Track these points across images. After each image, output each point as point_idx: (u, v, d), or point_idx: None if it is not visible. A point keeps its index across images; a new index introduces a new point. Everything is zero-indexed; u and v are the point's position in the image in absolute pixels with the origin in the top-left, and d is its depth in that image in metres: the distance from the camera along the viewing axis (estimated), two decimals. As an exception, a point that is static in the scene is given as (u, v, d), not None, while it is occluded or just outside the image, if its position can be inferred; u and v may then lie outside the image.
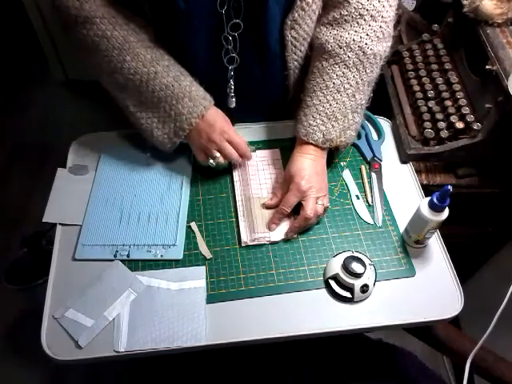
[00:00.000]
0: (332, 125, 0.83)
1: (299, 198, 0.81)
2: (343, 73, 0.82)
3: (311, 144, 0.84)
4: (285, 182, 0.85)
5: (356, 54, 0.81)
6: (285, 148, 0.95)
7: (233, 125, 0.90)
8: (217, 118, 0.83)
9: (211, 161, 0.84)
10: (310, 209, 0.80)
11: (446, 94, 1.06)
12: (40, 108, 2.16)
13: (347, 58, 0.81)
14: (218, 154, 0.84)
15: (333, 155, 0.91)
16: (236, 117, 0.93)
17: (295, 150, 0.86)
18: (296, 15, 0.80)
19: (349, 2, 0.80)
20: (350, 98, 0.83)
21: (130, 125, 0.99)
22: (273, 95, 0.97)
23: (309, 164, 0.83)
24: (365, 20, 0.80)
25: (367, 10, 0.80)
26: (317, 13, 0.84)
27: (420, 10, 1.30)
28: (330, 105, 0.82)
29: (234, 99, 0.90)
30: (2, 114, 2.13)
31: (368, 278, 0.75)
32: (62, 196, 0.86)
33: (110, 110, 0.96)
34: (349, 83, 0.82)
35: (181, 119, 0.81)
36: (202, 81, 0.85)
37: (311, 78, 0.85)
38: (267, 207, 0.85)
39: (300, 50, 0.86)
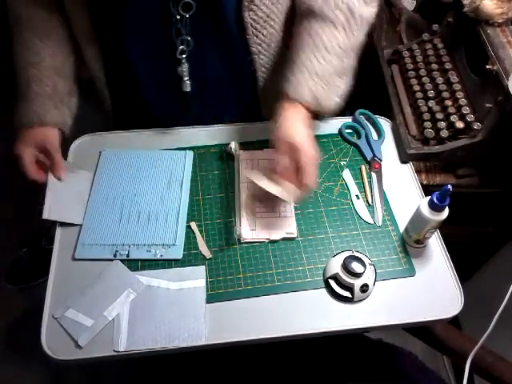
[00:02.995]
0: (320, 85, 0.79)
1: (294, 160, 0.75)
2: (331, 32, 0.80)
3: (300, 105, 0.79)
4: (282, 145, 0.77)
5: (344, 14, 0.79)
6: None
7: (191, 113, 0.92)
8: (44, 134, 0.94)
9: None
10: (311, 175, 0.74)
11: (446, 94, 1.06)
12: (40, 108, 2.16)
13: (335, 18, 0.79)
14: None
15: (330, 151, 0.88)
16: (195, 105, 0.92)
17: (285, 113, 0.79)
18: None
19: None
20: (338, 58, 0.80)
21: (130, 125, 0.99)
22: (238, 85, 0.94)
23: (304, 127, 0.78)
24: None
25: None
26: None
27: (420, 9, 1.30)
28: (320, 63, 0.80)
29: (188, 82, 0.87)
30: (1, 114, 2.13)
31: (368, 277, 0.75)
32: (61, 195, 0.86)
33: (109, 111, 0.97)
34: (338, 44, 0.80)
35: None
36: (154, 66, 0.86)
37: (298, 38, 0.82)
38: (275, 174, 0.78)
39: (262, 34, 0.85)
